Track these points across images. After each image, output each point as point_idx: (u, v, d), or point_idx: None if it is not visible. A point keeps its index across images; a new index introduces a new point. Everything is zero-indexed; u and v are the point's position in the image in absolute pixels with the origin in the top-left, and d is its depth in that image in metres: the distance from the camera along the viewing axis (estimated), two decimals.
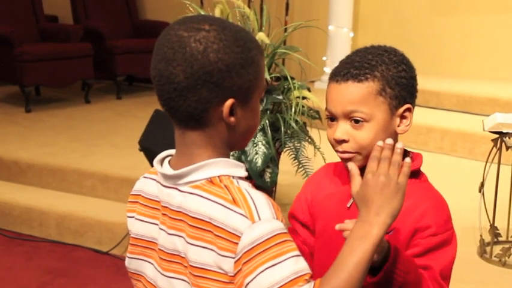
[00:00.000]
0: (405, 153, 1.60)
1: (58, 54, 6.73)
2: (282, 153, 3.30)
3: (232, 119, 1.32)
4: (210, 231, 1.28)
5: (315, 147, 3.30)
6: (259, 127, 3.13)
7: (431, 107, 5.83)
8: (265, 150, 3.12)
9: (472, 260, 3.34)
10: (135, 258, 1.47)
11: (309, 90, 3.36)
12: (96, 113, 6.56)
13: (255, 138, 3.14)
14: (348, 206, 1.67)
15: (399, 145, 1.40)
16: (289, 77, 3.21)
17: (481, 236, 3.39)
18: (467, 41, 6.65)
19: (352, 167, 1.46)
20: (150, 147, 3.84)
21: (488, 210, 3.37)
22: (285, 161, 3.31)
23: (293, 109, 3.19)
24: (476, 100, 5.65)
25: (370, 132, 1.59)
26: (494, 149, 3.30)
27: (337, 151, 1.64)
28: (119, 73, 7.20)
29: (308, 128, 3.38)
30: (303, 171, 3.20)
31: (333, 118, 1.63)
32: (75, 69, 6.85)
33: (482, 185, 3.33)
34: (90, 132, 5.78)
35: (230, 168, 1.35)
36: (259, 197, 1.30)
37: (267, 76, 3.15)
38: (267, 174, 3.17)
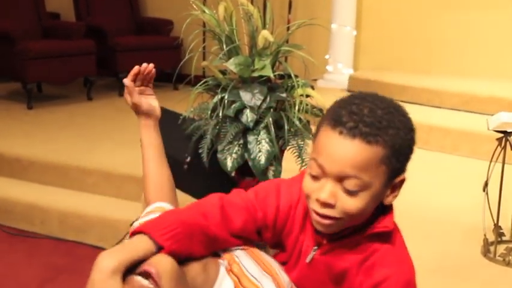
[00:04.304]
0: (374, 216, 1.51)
1: (60, 51, 6.73)
2: (286, 151, 3.29)
3: None
4: None
5: None
6: (262, 125, 3.12)
7: (433, 106, 5.82)
8: (268, 148, 3.11)
9: (476, 259, 3.33)
10: None
11: (312, 88, 3.35)
12: (98, 110, 6.56)
13: (258, 136, 3.13)
14: (307, 261, 1.59)
15: None
16: (293, 75, 3.20)
17: (484, 235, 3.38)
18: (470, 39, 6.65)
19: None
20: None
21: (492, 209, 3.36)
22: (288, 158, 3.30)
23: (297, 107, 3.18)
24: (478, 99, 5.64)
25: (361, 202, 1.42)
26: (499, 148, 3.29)
27: (314, 210, 1.47)
28: (121, 70, 7.19)
29: (311, 126, 3.37)
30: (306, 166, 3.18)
31: (318, 172, 1.44)
32: (77, 66, 6.84)
33: (486, 184, 3.32)
34: (92, 128, 5.77)
35: None
36: None
37: (270, 74, 3.13)
38: (271, 172, 3.15)
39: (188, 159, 3.41)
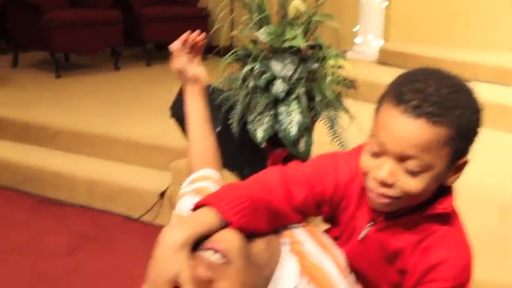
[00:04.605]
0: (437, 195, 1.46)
1: (86, 21, 6.70)
2: (317, 122, 3.25)
3: None
4: None
5: (350, 117, 3.24)
6: (293, 96, 3.08)
7: (467, 80, 5.72)
8: (299, 119, 3.07)
9: None
10: None
11: (344, 58, 3.30)
12: (125, 80, 6.54)
13: (289, 106, 3.09)
14: (361, 237, 1.55)
15: None
16: (324, 46, 3.15)
17: None
18: (506, 12, 6.52)
19: None
20: (180, 114, 3.80)
21: None
22: (319, 130, 3.26)
23: (328, 78, 3.13)
24: (509, 72, 5.54)
25: (422, 183, 1.37)
26: None
27: (370, 190, 1.43)
28: (148, 40, 7.16)
29: (343, 98, 3.32)
30: (338, 141, 3.14)
31: (378, 150, 1.39)
32: (104, 36, 6.82)
33: None
34: (120, 98, 5.76)
35: None
36: None
37: (302, 44, 3.08)
38: (301, 143, 3.12)
39: (218, 129, 3.38)
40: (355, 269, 1.59)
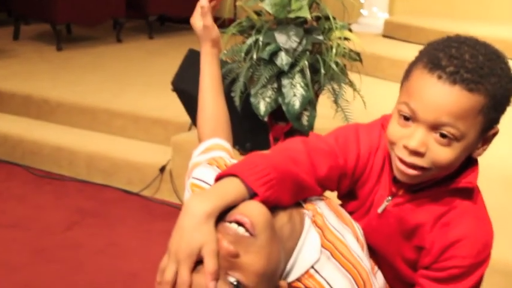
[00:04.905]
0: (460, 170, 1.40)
1: None
2: (321, 95, 3.18)
3: None
4: None
5: (354, 90, 3.17)
6: (297, 68, 3.01)
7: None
8: (303, 92, 3.00)
9: None
10: None
11: (350, 31, 3.22)
12: (127, 52, 6.47)
13: (293, 79, 3.02)
14: (379, 211, 1.50)
15: None
16: (331, 17, 3.07)
17: None
18: None
19: None
20: (183, 88, 3.74)
21: None
22: (323, 104, 3.19)
23: (334, 50, 3.06)
24: None
25: (453, 153, 1.32)
26: None
27: (400, 159, 1.36)
28: (151, 13, 7.07)
29: (348, 71, 3.25)
30: (342, 115, 3.08)
31: (409, 117, 1.34)
32: (106, 7, 6.72)
33: None
34: (121, 71, 5.68)
35: None
36: None
37: (307, 15, 3.01)
38: (305, 117, 3.05)
39: None
40: (370, 245, 1.55)
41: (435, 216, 1.41)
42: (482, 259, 1.40)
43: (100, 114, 4.66)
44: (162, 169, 4.05)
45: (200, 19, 1.90)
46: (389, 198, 1.48)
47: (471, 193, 1.42)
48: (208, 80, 1.86)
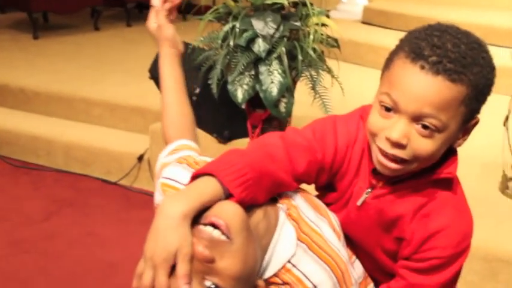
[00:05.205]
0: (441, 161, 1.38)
1: None
2: (298, 82, 3.16)
3: None
4: None
5: (332, 76, 3.15)
6: (275, 55, 2.99)
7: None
8: (281, 79, 2.98)
9: (494, 195, 3.22)
10: None
11: (327, 17, 3.20)
12: (105, 41, 6.42)
13: (270, 66, 3.00)
14: (358, 204, 1.47)
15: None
16: (308, 3, 3.05)
17: (503, 171, 3.26)
18: None
19: None
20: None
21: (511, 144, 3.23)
22: (301, 90, 3.17)
23: (311, 37, 3.04)
24: (497, 32, 5.46)
25: (435, 144, 1.30)
26: None
27: (382, 151, 1.33)
28: (129, 0, 7.02)
29: (326, 58, 3.23)
30: (320, 101, 3.06)
31: (390, 108, 1.31)
32: None
33: (506, 118, 3.19)
34: (99, 59, 5.63)
35: None
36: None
37: (285, 1, 2.98)
38: (282, 104, 3.03)
39: (197, 90, 3.29)
40: (349, 236, 1.52)
41: (415, 208, 1.39)
42: (462, 249, 1.38)
43: (77, 103, 4.62)
44: (140, 158, 4.03)
45: (154, 21, 1.87)
46: (369, 190, 1.45)
47: (451, 183, 1.41)
48: (170, 82, 1.80)
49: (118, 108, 4.47)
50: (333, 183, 1.53)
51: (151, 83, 3.77)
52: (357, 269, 1.49)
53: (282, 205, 1.36)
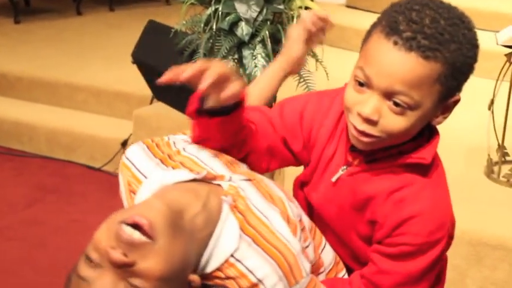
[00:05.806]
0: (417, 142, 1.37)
1: None
2: None
3: None
4: None
5: (316, 60, 3.14)
6: (258, 39, 2.98)
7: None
8: (264, 63, 2.97)
9: (479, 179, 3.23)
10: None
11: (311, 0, 3.19)
12: (88, 25, 6.36)
13: (254, 50, 2.99)
14: (333, 180, 1.45)
15: None
16: None
17: (488, 155, 3.26)
18: None
19: None
20: (143, 60, 3.68)
21: (496, 129, 3.23)
22: None
23: (295, 20, 3.03)
24: (481, 14, 5.44)
25: (407, 122, 1.28)
26: (506, 65, 3.14)
27: (353, 125, 1.32)
28: None
29: None
30: (305, 85, 3.05)
31: (363, 83, 1.29)
32: None
33: (492, 102, 3.18)
34: (82, 44, 5.58)
35: None
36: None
37: None
38: None
39: None
40: (324, 221, 1.50)
41: (388, 190, 1.37)
42: (435, 239, 1.35)
43: (61, 88, 4.58)
44: (124, 143, 4.00)
45: (301, 32, 1.73)
46: (345, 167, 1.44)
47: (428, 169, 1.39)
48: (261, 90, 1.72)
49: (102, 94, 4.44)
50: (308, 160, 1.53)
51: (135, 67, 3.75)
52: (326, 257, 1.46)
53: (226, 197, 1.33)
